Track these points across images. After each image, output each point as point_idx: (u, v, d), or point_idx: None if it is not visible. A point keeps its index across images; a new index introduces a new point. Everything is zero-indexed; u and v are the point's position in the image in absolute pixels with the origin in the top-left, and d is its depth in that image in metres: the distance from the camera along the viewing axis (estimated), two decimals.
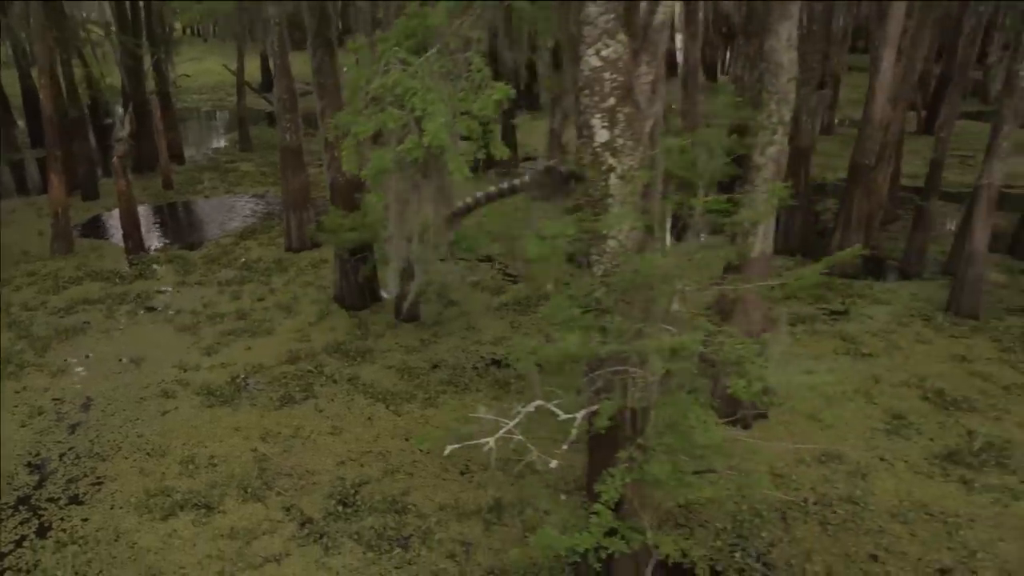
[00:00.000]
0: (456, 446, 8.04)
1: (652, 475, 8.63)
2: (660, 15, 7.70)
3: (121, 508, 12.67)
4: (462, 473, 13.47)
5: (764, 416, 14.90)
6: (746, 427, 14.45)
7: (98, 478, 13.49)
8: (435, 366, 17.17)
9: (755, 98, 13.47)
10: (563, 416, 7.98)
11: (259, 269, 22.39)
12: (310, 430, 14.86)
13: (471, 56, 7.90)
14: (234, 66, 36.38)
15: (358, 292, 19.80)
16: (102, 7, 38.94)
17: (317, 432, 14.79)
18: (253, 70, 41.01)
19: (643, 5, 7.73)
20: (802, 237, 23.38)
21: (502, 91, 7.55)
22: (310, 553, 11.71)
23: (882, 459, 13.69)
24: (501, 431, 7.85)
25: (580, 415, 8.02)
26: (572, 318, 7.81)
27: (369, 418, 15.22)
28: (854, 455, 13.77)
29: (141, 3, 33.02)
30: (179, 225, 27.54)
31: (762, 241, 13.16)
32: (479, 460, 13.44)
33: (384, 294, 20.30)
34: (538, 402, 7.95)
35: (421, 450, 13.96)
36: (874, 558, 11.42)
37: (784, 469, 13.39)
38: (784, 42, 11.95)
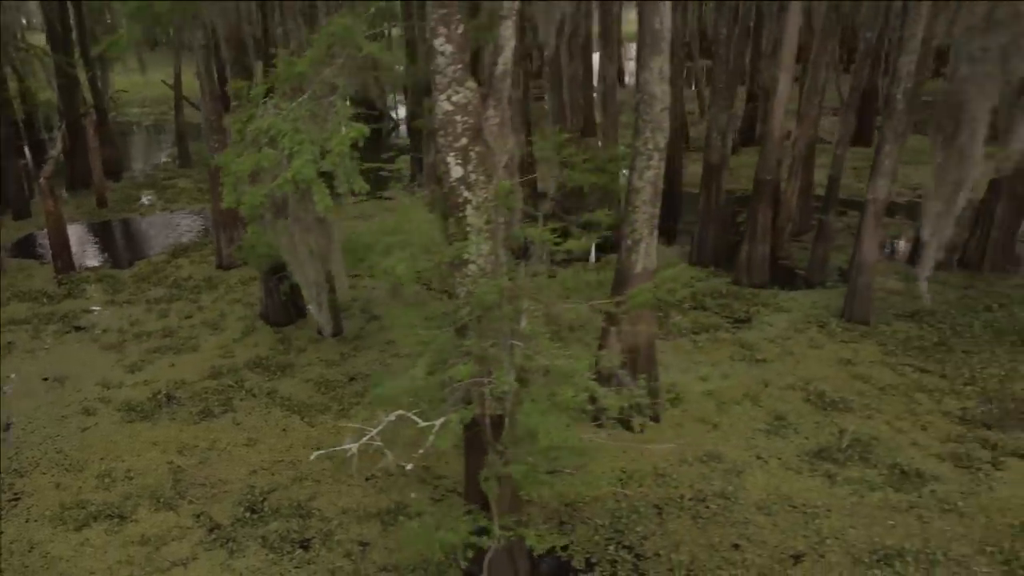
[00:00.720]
0: (321, 452, 8.88)
1: (509, 476, 9.60)
2: (501, 66, 8.65)
3: (36, 521, 13.30)
4: (367, 479, 14.29)
5: (657, 421, 15.92)
6: (636, 432, 15.51)
7: (15, 494, 14.08)
8: (352, 379, 17.98)
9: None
10: (422, 424, 8.87)
11: (188, 287, 23.00)
12: (226, 442, 15.57)
13: (335, 100, 8.78)
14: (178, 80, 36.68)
15: (282, 308, 20.51)
16: (40, 10, 38.85)
17: (233, 444, 15.51)
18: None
19: (487, 56, 8.67)
20: (716, 248, 24.53)
21: (357, 131, 8.45)
22: (216, 556, 12.47)
23: (758, 457, 14.78)
24: (365, 438, 8.72)
25: (438, 423, 8.90)
26: (423, 341, 8.73)
27: (284, 429, 15.99)
28: (733, 454, 14.84)
29: (72, 18, 33.37)
30: (112, 243, 27.95)
31: (644, 258, 14.15)
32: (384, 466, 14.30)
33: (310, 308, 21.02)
34: (399, 412, 8.83)
35: (331, 458, 14.74)
36: (736, 547, 12.46)
37: (667, 468, 14.41)
38: (656, 75, 12.98)
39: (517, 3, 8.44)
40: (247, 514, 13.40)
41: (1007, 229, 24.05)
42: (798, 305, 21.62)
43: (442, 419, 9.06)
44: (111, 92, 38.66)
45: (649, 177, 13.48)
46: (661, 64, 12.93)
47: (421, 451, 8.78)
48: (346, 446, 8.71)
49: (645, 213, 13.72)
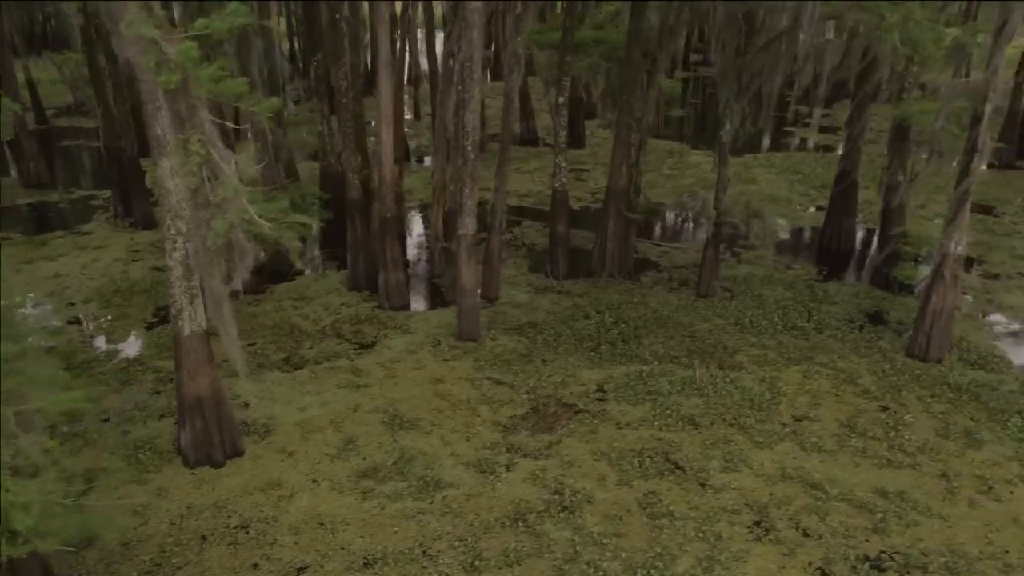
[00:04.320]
0: None
1: None
2: None
3: None
4: None
5: (241, 454, 18.25)
6: (218, 465, 17.81)
7: None
8: None
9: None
10: None
11: None
12: None
13: None
14: None
15: None
16: None
17: None
18: None
19: None
20: (368, 275, 27.10)
21: None
22: None
23: (314, 481, 17.38)
24: None
25: None
26: None
27: None
28: (294, 480, 17.38)
29: None
30: None
31: (190, 323, 16.37)
32: None
33: None
34: None
35: None
36: (255, 566, 14.99)
37: (229, 500, 16.75)
38: (167, 172, 15.14)
39: None
40: None
41: (619, 242, 28.05)
42: (426, 326, 24.55)
43: None
44: None
45: (178, 258, 15.67)
46: (170, 163, 15.09)
47: None
48: None
49: (181, 287, 15.93)
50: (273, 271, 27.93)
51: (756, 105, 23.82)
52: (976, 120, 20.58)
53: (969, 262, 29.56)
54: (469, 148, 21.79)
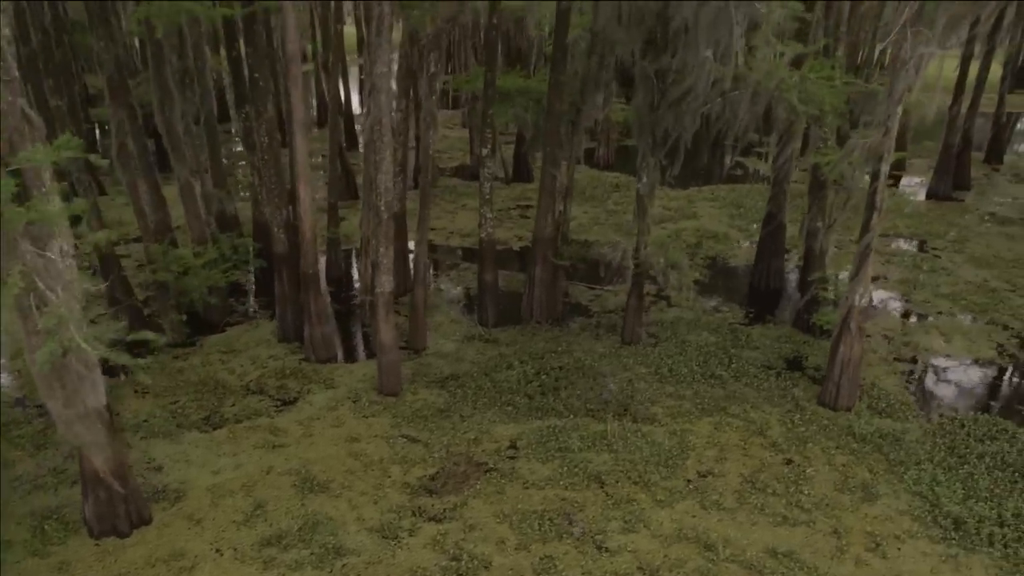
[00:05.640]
0: None
1: None
2: None
3: None
4: None
5: (148, 522, 18.38)
6: (123, 536, 17.94)
7: None
8: None
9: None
10: None
11: None
12: None
13: None
14: None
15: None
16: None
17: None
18: None
19: None
20: (296, 328, 27.23)
21: None
22: None
23: (217, 550, 17.53)
24: None
25: None
26: None
27: None
28: (198, 549, 17.51)
29: None
30: None
31: (92, 393, 16.53)
32: None
33: None
34: None
35: None
36: None
37: (130, 573, 16.86)
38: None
39: None
40: None
41: (547, 288, 28.44)
42: (350, 379, 24.76)
43: None
44: None
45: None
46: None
47: None
48: None
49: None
50: (205, 322, 28.10)
51: (672, 157, 24.18)
52: (874, 177, 21.15)
53: (905, 301, 30.36)
54: (383, 209, 22.13)
